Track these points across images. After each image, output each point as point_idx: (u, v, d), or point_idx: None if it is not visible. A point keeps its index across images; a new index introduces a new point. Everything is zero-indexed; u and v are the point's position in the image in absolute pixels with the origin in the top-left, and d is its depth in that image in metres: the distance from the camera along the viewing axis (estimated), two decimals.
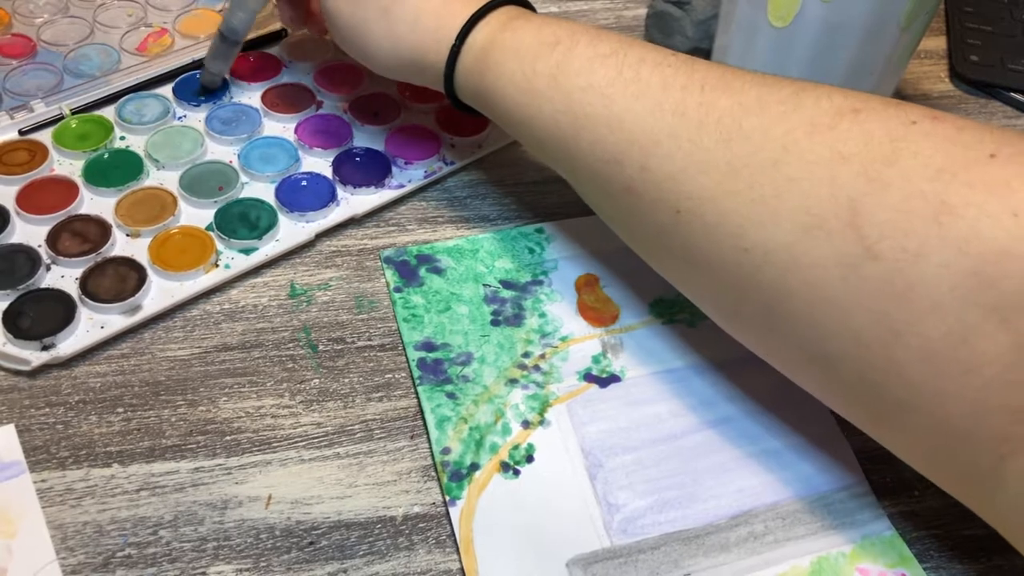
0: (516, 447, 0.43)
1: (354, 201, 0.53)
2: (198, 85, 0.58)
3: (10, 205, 0.50)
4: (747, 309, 0.40)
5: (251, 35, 0.62)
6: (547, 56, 0.43)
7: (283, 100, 0.58)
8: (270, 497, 0.41)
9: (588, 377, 0.46)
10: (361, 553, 0.39)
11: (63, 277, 0.47)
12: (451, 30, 0.46)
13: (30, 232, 0.49)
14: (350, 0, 0.48)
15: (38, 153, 0.53)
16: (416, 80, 0.50)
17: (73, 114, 0.56)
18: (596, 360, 0.47)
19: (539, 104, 0.44)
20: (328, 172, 0.54)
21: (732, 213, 0.37)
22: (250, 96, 0.59)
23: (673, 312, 0.49)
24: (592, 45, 0.43)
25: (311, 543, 0.39)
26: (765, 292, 0.38)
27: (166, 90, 0.58)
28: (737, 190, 0.37)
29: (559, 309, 0.49)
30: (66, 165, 0.53)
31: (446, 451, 0.42)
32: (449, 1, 0.47)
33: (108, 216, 0.50)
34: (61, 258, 0.48)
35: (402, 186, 0.54)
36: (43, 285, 0.47)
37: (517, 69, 0.44)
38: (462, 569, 0.39)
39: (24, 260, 0.48)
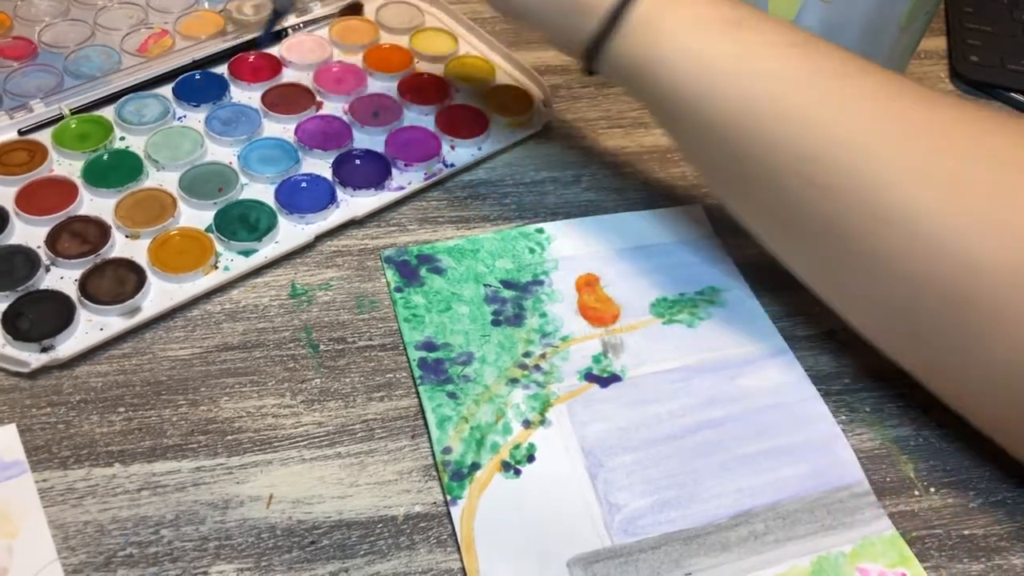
0: (517, 447, 0.43)
1: (354, 203, 0.53)
2: (268, 19, 0.57)
3: (9, 206, 0.50)
4: (944, 334, 0.38)
5: (250, 35, 0.62)
6: (731, 36, 0.41)
7: (283, 101, 0.58)
8: (271, 497, 0.41)
9: (589, 377, 0.46)
10: (362, 552, 0.39)
11: (62, 278, 0.47)
12: (604, 8, 0.43)
13: (29, 233, 0.49)
14: None
15: (37, 153, 0.53)
16: (554, 34, 0.46)
17: (73, 114, 0.56)
18: (597, 360, 0.47)
19: (720, 87, 0.41)
20: (328, 174, 0.54)
21: (953, 229, 0.36)
22: (250, 97, 0.59)
23: (673, 312, 0.49)
24: (780, 33, 0.41)
25: (312, 542, 0.39)
26: (984, 310, 0.36)
27: (166, 90, 0.58)
28: (965, 208, 0.36)
29: (560, 309, 0.49)
30: (65, 165, 0.53)
31: (447, 451, 0.42)
32: None
33: (107, 217, 0.50)
34: (60, 259, 0.48)
35: (402, 188, 0.54)
36: (42, 286, 0.47)
37: (694, 45, 0.41)
38: (463, 568, 0.39)
39: (23, 261, 0.48)
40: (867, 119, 0.39)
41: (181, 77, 0.59)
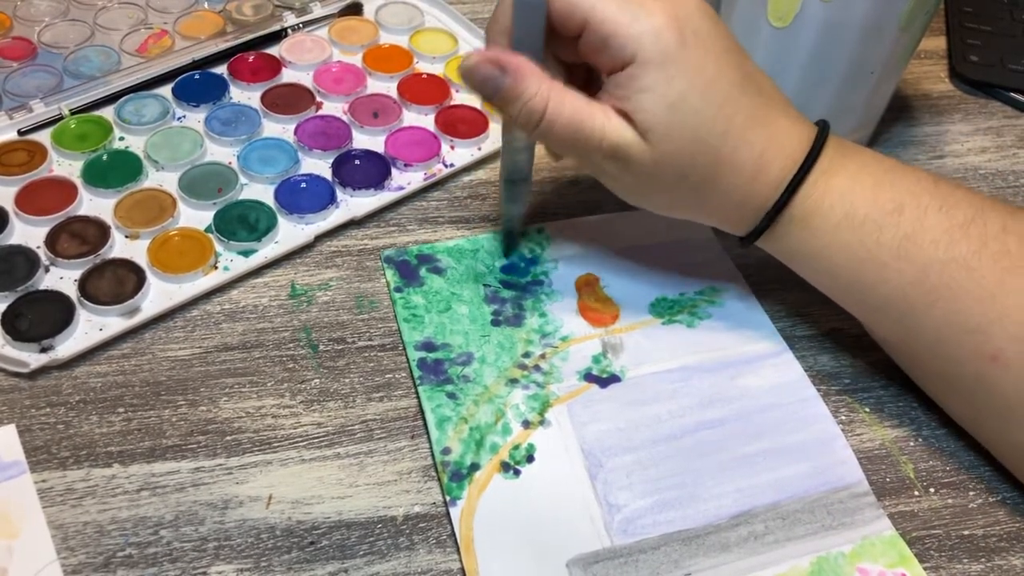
0: (516, 447, 0.43)
1: (353, 203, 0.53)
2: (503, 239, 0.52)
3: (9, 206, 0.50)
4: None
5: (249, 36, 0.62)
6: (892, 225, 0.41)
7: (283, 101, 0.58)
8: (271, 497, 0.41)
9: (588, 377, 0.46)
10: (362, 553, 0.39)
11: (62, 279, 0.47)
12: (764, 200, 0.42)
13: (29, 233, 0.49)
14: (648, 190, 0.44)
15: (37, 154, 0.53)
16: (710, 223, 0.46)
17: (72, 114, 0.56)
18: (596, 360, 0.47)
19: (883, 275, 0.41)
20: (327, 174, 0.54)
21: None
22: (249, 97, 0.59)
23: (673, 312, 0.49)
24: (945, 213, 0.41)
25: (312, 543, 0.39)
26: None
27: (166, 90, 0.58)
28: None
29: (559, 309, 0.49)
30: (65, 166, 0.53)
31: (446, 451, 0.42)
32: (760, 171, 0.41)
33: (107, 217, 0.50)
34: (60, 259, 0.48)
35: (401, 188, 0.54)
36: (42, 287, 0.47)
37: (853, 239, 0.41)
38: (463, 569, 0.39)
39: (23, 261, 0.48)
40: None
41: (181, 77, 0.59)
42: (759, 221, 0.43)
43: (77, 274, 0.47)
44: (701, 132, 0.40)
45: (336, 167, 0.54)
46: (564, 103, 0.40)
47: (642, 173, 0.41)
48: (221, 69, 0.60)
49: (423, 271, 0.50)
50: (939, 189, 0.42)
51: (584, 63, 0.43)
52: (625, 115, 0.40)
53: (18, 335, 0.44)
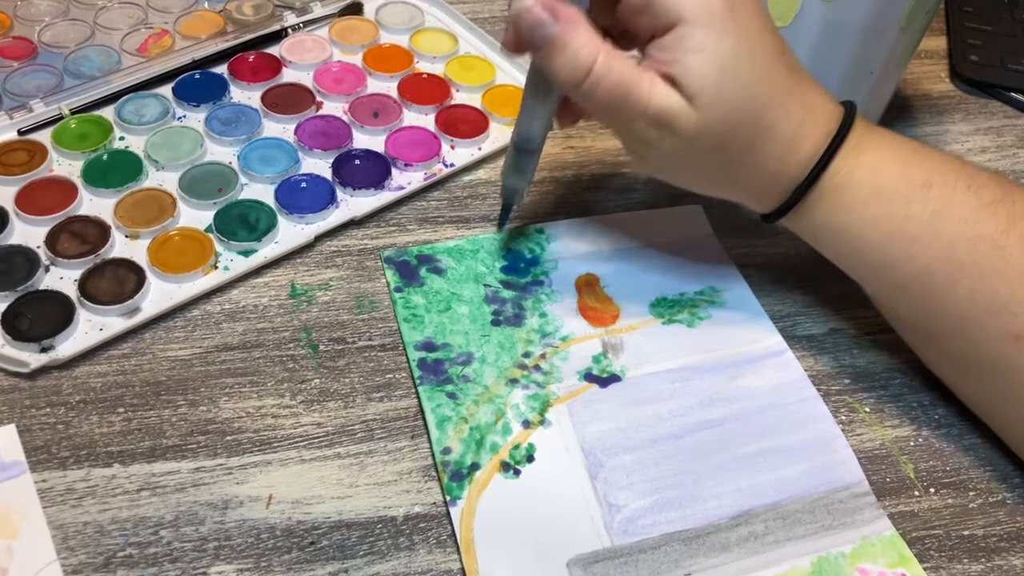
0: (517, 447, 0.43)
1: (353, 203, 0.53)
2: (501, 212, 0.51)
3: (9, 206, 0.50)
4: None
5: (250, 35, 0.62)
6: (921, 200, 0.41)
7: (283, 101, 0.58)
8: (271, 497, 0.41)
9: (588, 377, 0.46)
10: (362, 553, 0.39)
11: (62, 278, 0.47)
12: (796, 174, 0.42)
13: (29, 233, 0.49)
14: (684, 161, 0.43)
15: (37, 153, 0.53)
16: (738, 201, 0.46)
17: (72, 114, 0.56)
18: (596, 360, 0.47)
19: (910, 251, 0.41)
20: (328, 174, 0.54)
21: None
22: (250, 96, 0.59)
23: (673, 312, 0.49)
24: (973, 192, 0.41)
25: (312, 543, 0.39)
26: None
27: (166, 90, 0.58)
28: None
29: (559, 309, 0.49)
30: (65, 165, 0.53)
31: (447, 451, 0.42)
32: (795, 144, 0.41)
33: (107, 217, 0.50)
34: (60, 259, 0.48)
35: (402, 188, 0.54)
36: (42, 286, 0.47)
37: (882, 213, 0.41)
38: (463, 569, 0.39)
39: (23, 261, 0.48)
40: None
41: (181, 77, 0.59)
42: (790, 195, 0.43)
43: (77, 274, 0.47)
44: (747, 98, 0.40)
45: (336, 167, 0.54)
46: (612, 61, 0.39)
47: (683, 141, 0.40)
48: (221, 69, 0.60)
49: (423, 271, 0.50)
50: (966, 169, 0.42)
51: (615, 32, 0.42)
52: (671, 80, 0.39)
53: (18, 335, 0.44)
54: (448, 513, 0.40)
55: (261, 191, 0.53)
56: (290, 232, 0.51)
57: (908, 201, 0.41)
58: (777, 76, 0.40)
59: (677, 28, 0.39)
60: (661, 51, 0.39)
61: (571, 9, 0.39)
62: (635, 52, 0.42)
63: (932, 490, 0.43)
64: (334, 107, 0.59)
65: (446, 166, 0.56)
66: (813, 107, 0.42)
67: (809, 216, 0.43)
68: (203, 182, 0.53)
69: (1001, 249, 0.40)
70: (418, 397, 0.45)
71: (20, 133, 0.55)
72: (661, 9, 0.39)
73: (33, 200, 0.51)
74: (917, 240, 0.41)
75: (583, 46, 0.39)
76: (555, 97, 0.44)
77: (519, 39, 0.41)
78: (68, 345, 0.45)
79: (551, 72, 0.40)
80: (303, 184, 0.53)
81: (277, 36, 0.63)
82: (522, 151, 0.47)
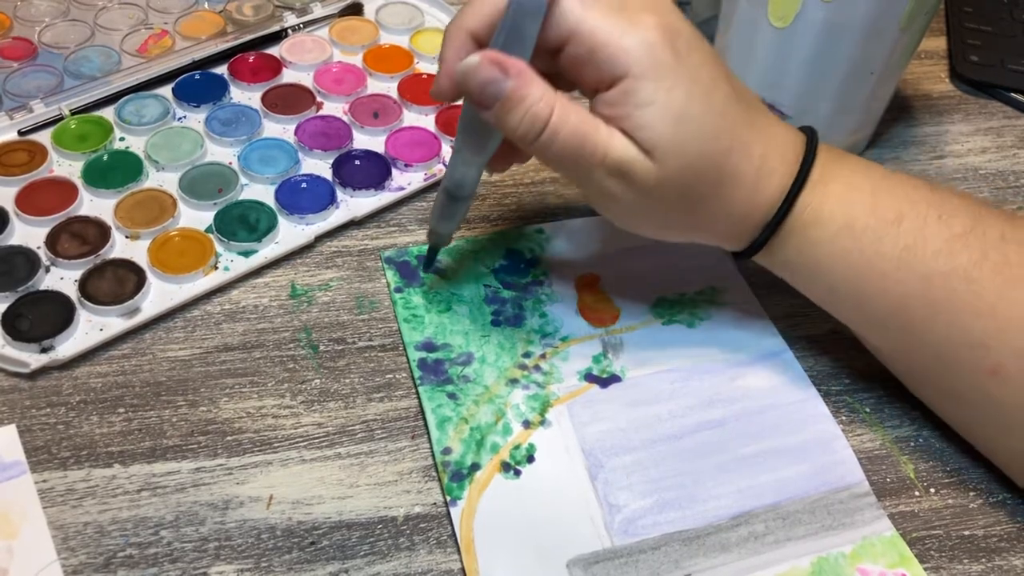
0: (517, 447, 0.43)
1: (353, 203, 0.53)
2: (427, 253, 0.49)
3: (9, 206, 0.50)
4: None
5: (250, 36, 0.62)
6: (892, 235, 0.40)
7: (283, 101, 0.58)
8: (271, 497, 0.41)
9: (589, 377, 0.46)
10: (362, 553, 0.39)
11: (62, 279, 0.47)
12: (764, 213, 0.41)
13: (29, 233, 0.49)
14: (647, 211, 0.41)
15: (37, 154, 0.53)
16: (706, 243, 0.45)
17: (72, 115, 0.56)
18: (597, 360, 0.47)
19: (883, 286, 0.40)
20: (328, 174, 0.54)
21: None
22: (250, 97, 0.59)
23: (673, 312, 0.49)
24: (944, 222, 0.40)
25: (312, 543, 0.39)
26: None
27: (166, 91, 0.58)
28: None
29: (559, 309, 0.49)
30: (65, 166, 0.53)
31: (447, 451, 0.42)
32: (759, 183, 0.40)
33: (107, 218, 0.50)
34: (60, 260, 0.48)
35: (402, 188, 0.54)
36: (42, 287, 0.47)
37: (854, 248, 0.40)
38: (463, 569, 0.39)
39: (23, 262, 0.48)
40: None
41: (181, 77, 0.59)
42: (759, 234, 0.42)
43: (77, 274, 0.47)
44: (707, 144, 0.38)
45: (336, 167, 0.54)
46: (569, 113, 0.38)
47: (645, 192, 0.39)
48: (221, 69, 0.60)
49: (423, 271, 0.50)
50: (936, 196, 0.41)
51: (555, 79, 0.40)
52: (625, 133, 0.38)
53: (18, 335, 0.44)
54: (448, 513, 0.40)
55: (261, 191, 0.53)
56: (290, 232, 0.51)
57: (879, 236, 0.40)
58: (734, 117, 0.39)
59: (623, 82, 0.37)
60: (610, 106, 0.38)
61: (519, 62, 0.37)
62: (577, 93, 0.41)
63: (932, 490, 0.43)
64: (334, 107, 0.59)
65: (446, 166, 0.56)
66: (774, 143, 0.41)
67: (780, 253, 0.43)
68: (203, 182, 0.53)
69: (974, 282, 0.39)
70: (418, 397, 0.45)
71: (20, 134, 0.55)
72: (605, 62, 0.37)
73: (33, 201, 0.51)
74: (890, 275, 0.40)
75: (539, 99, 0.37)
76: (492, 146, 0.42)
77: (456, 89, 0.40)
78: (68, 345, 0.45)
79: (507, 128, 0.38)
80: (303, 184, 0.53)
81: (277, 37, 0.63)
82: (454, 198, 0.45)
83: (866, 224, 0.40)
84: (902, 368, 0.45)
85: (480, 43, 0.39)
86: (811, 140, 0.42)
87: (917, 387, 0.45)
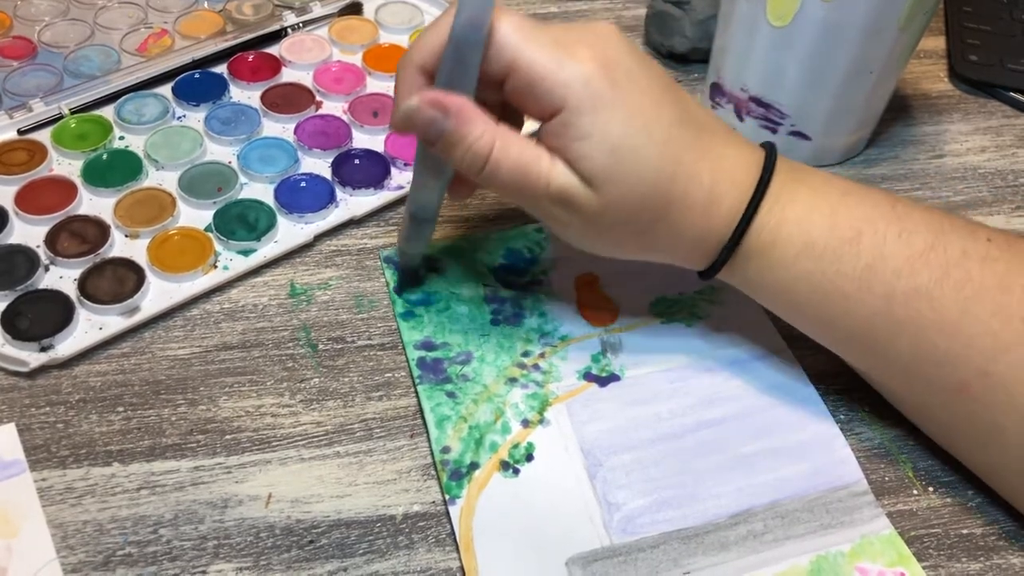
0: (516, 446, 0.43)
1: (353, 202, 0.53)
2: (398, 275, 0.50)
3: (9, 205, 0.50)
4: None
5: (250, 35, 0.62)
6: (852, 254, 0.40)
7: (283, 100, 0.58)
8: (270, 496, 0.41)
9: (588, 376, 0.46)
10: (361, 552, 0.39)
11: (61, 278, 0.48)
12: (720, 235, 0.41)
13: (28, 232, 0.49)
14: (598, 235, 0.42)
15: (37, 153, 0.53)
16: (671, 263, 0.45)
17: (72, 114, 0.56)
18: (596, 359, 0.47)
19: (846, 306, 0.40)
20: (327, 173, 0.54)
21: None
22: (249, 96, 0.59)
23: (672, 312, 0.49)
24: (904, 240, 0.40)
25: (311, 542, 0.39)
26: None
27: (165, 90, 0.58)
28: None
29: (559, 308, 0.49)
30: (65, 165, 0.53)
31: (446, 450, 0.42)
32: (711, 208, 0.40)
33: (107, 217, 0.50)
34: (60, 259, 0.48)
35: (401, 187, 0.54)
36: (41, 286, 0.47)
37: (815, 269, 0.40)
38: (462, 568, 0.39)
39: (23, 260, 0.48)
40: (992, 317, 0.38)
41: (180, 77, 0.59)
42: (717, 255, 0.42)
43: (77, 273, 0.47)
44: (647, 173, 0.39)
45: (336, 166, 0.54)
46: (510, 146, 0.39)
47: (591, 218, 0.40)
48: (221, 68, 0.60)
49: (423, 271, 0.50)
50: (896, 212, 0.41)
51: (500, 104, 0.41)
52: (567, 163, 0.39)
53: (18, 334, 0.45)
54: (447, 512, 0.40)
55: (261, 191, 0.53)
56: (289, 232, 0.51)
57: (839, 257, 0.40)
58: (679, 144, 0.39)
59: (561, 114, 0.38)
60: (551, 136, 0.39)
61: (459, 99, 0.38)
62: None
63: (931, 489, 0.43)
64: (334, 107, 0.59)
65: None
66: (726, 164, 0.41)
67: (742, 273, 0.43)
68: (203, 182, 0.53)
69: (935, 300, 0.39)
70: (417, 396, 0.45)
71: (20, 133, 0.55)
72: (544, 94, 0.38)
73: (33, 199, 0.51)
74: (852, 296, 0.40)
75: (479, 137, 0.38)
76: (447, 174, 0.43)
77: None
78: (68, 344, 0.45)
79: (452, 161, 0.39)
80: (303, 184, 0.53)
81: (277, 36, 0.63)
82: (419, 220, 0.45)
83: (826, 245, 0.40)
84: (876, 384, 0.45)
85: (430, 76, 0.40)
86: (768, 160, 0.42)
87: (896, 402, 0.45)
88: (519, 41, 0.38)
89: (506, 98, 0.40)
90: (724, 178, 0.40)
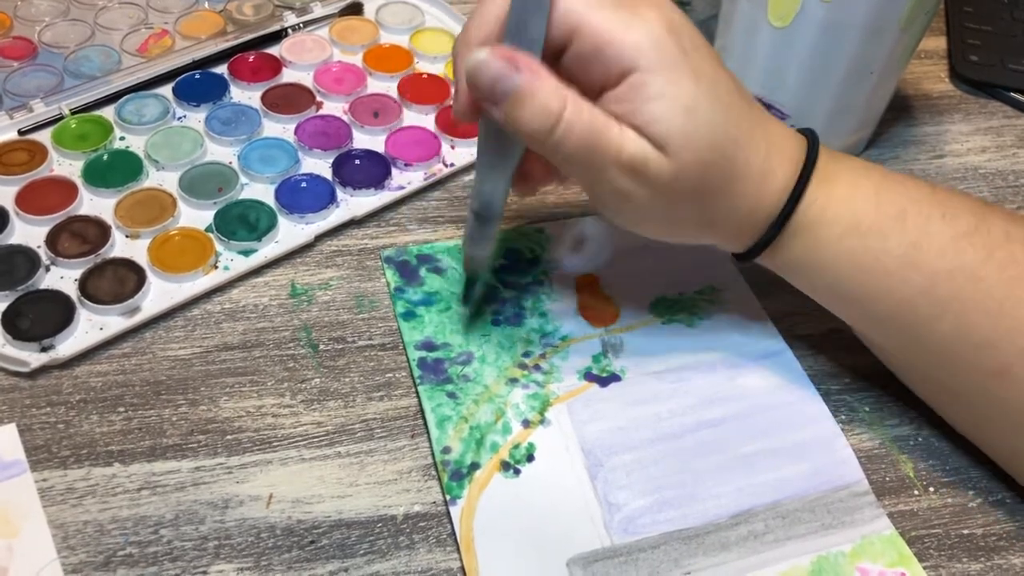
0: (516, 446, 0.43)
1: (353, 203, 0.53)
2: (464, 283, 0.48)
3: (9, 205, 0.50)
4: None
5: (250, 35, 0.62)
6: (898, 232, 0.40)
7: (283, 101, 0.58)
8: (271, 496, 0.41)
9: (588, 376, 0.46)
10: (362, 552, 0.39)
11: (62, 278, 0.47)
12: (770, 209, 0.41)
13: (29, 233, 0.49)
14: (659, 210, 0.40)
15: (37, 153, 0.53)
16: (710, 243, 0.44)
17: (72, 114, 0.56)
18: (596, 360, 0.47)
19: (889, 285, 0.40)
20: (328, 174, 0.54)
21: None
22: (250, 96, 0.59)
23: (673, 312, 0.49)
24: (948, 221, 0.40)
25: (312, 542, 0.39)
26: None
27: (166, 90, 0.58)
28: None
29: (559, 309, 0.49)
30: (65, 165, 0.53)
31: (447, 450, 0.42)
32: (766, 178, 0.40)
33: (107, 217, 0.50)
34: (60, 259, 0.48)
35: (401, 188, 0.54)
36: (42, 286, 0.47)
37: (859, 247, 0.40)
38: (463, 568, 0.39)
39: (23, 261, 0.48)
40: None
41: (181, 77, 0.59)
42: (765, 231, 0.41)
43: (77, 273, 0.47)
44: (717, 136, 0.38)
45: (336, 167, 0.54)
46: (582, 107, 0.37)
47: (659, 188, 0.38)
48: (221, 69, 0.60)
49: (423, 271, 0.50)
50: (937, 196, 0.41)
51: None
52: (637, 130, 0.37)
53: (18, 334, 0.44)
54: (448, 512, 0.40)
55: (261, 191, 0.53)
56: (290, 232, 0.51)
57: (885, 235, 0.40)
58: (740, 111, 0.39)
59: (632, 76, 0.37)
60: (619, 102, 0.37)
61: (529, 57, 0.37)
62: None
63: (932, 489, 0.43)
64: (334, 107, 0.59)
65: (446, 166, 0.56)
66: (776, 139, 0.41)
67: (785, 253, 0.42)
68: (203, 182, 0.53)
69: (980, 281, 0.39)
70: (418, 396, 0.45)
71: (20, 133, 0.55)
72: (613, 57, 0.37)
73: (33, 200, 0.51)
74: (895, 274, 0.40)
75: (551, 93, 0.36)
76: (514, 159, 0.41)
77: (474, 99, 0.39)
78: (68, 344, 0.45)
79: (518, 125, 0.37)
80: (303, 184, 0.53)
81: (277, 36, 0.63)
82: (483, 219, 0.43)
83: (872, 223, 0.40)
84: (904, 366, 0.45)
85: None
86: (813, 140, 0.42)
87: (918, 385, 0.45)
88: (582, 5, 0.37)
89: (566, 70, 0.38)
90: (776, 151, 0.40)
